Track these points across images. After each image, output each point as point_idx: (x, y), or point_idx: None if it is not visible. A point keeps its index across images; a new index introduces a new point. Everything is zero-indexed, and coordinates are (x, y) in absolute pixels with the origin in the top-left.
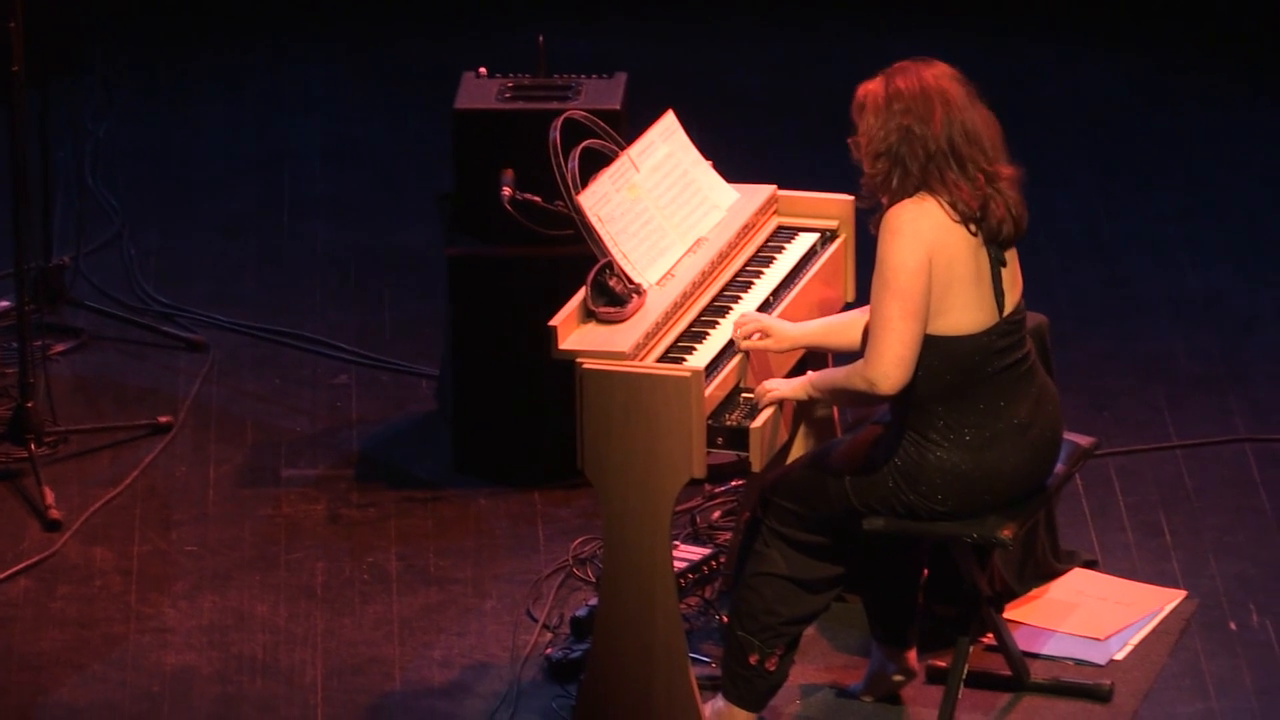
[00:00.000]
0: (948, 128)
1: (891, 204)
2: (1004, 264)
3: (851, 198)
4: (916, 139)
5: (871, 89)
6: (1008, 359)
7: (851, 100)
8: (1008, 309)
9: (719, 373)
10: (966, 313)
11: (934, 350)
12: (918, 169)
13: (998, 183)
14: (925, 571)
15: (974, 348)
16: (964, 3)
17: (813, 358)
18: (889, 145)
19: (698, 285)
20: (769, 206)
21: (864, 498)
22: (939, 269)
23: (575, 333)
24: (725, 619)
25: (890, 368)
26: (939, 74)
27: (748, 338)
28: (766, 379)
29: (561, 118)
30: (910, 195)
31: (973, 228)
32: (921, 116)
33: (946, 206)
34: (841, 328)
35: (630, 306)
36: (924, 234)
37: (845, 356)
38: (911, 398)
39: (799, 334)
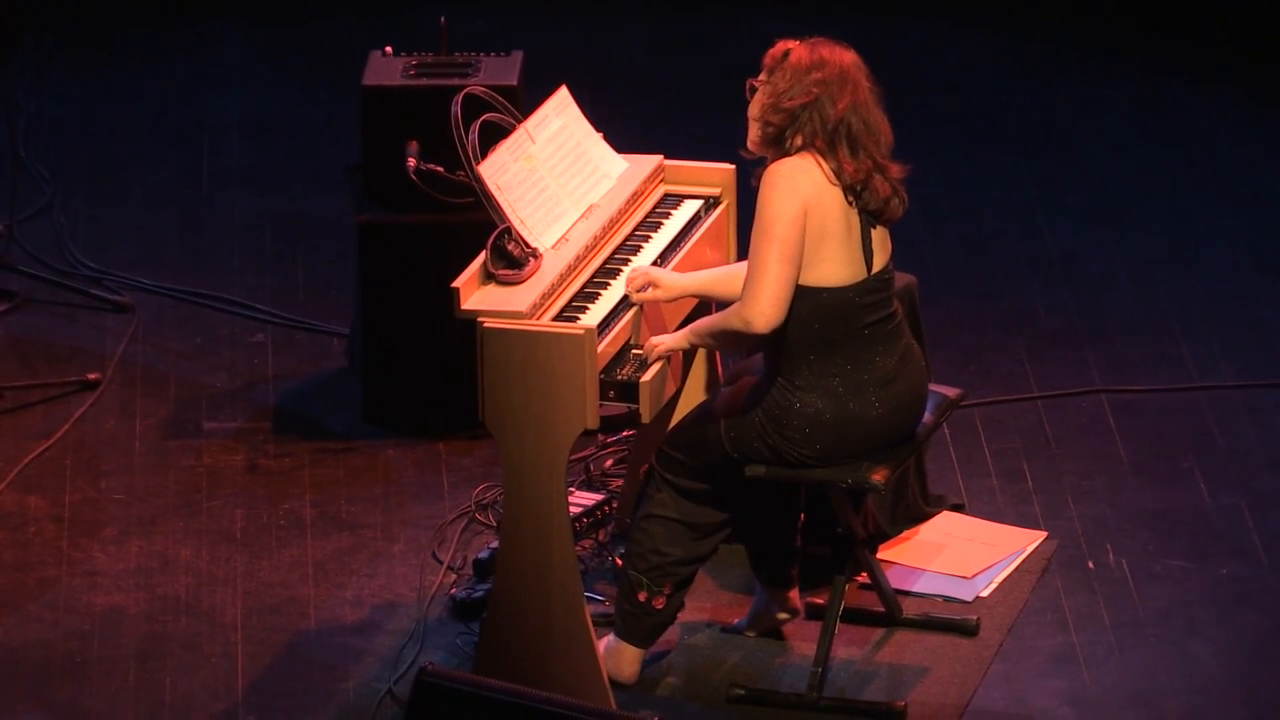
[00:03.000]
0: (850, 113)
1: (774, 159)
2: (874, 226)
3: (732, 166)
4: (819, 110)
5: (796, 48)
6: (874, 315)
7: (745, 62)
8: (876, 267)
9: (610, 331)
10: (836, 266)
11: (804, 300)
12: (808, 135)
13: (886, 173)
14: (803, 515)
15: (842, 300)
16: None
17: (697, 315)
18: (793, 106)
19: (590, 249)
20: (656, 175)
21: (737, 444)
22: (813, 222)
23: (476, 294)
24: (618, 560)
25: (766, 305)
26: (857, 64)
27: (639, 290)
28: (656, 335)
29: (462, 93)
30: (792, 154)
31: (850, 198)
32: (832, 94)
33: (828, 170)
34: (724, 278)
35: (527, 269)
36: (801, 188)
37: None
38: (782, 346)
39: (685, 283)
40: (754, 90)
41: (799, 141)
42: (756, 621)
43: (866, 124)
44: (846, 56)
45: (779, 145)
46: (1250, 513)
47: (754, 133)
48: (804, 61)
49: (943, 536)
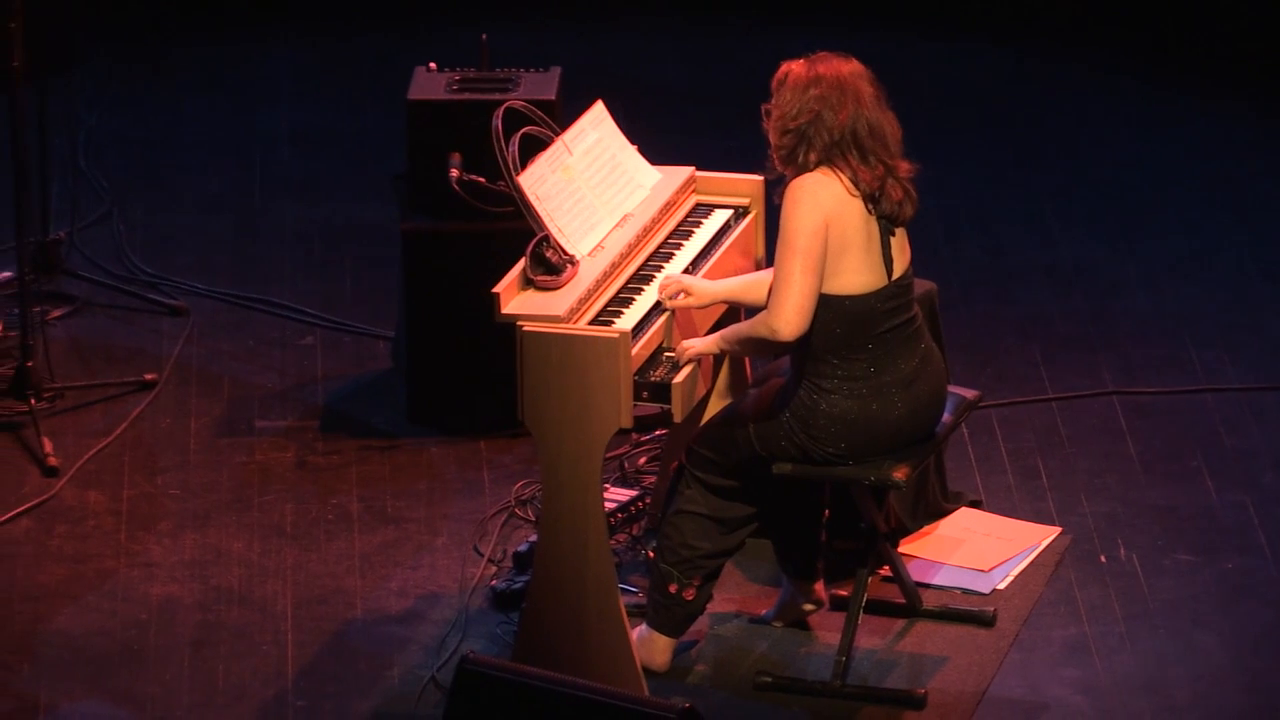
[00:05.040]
0: (853, 121)
1: (795, 176)
2: (893, 233)
3: (761, 178)
4: (823, 124)
5: (794, 68)
6: (896, 319)
7: (769, 81)
8: (896, 274)
9: (644, 334)
10: (858, 275)
11: (828, 308)
12: (820, 149)
13: (896, 173)
14: (827, 511)
15: (864, 307)
16: (859, 2)
17: (728, 320)
18: (798, 124)
19: (625, 256)
20: (688, 186)
21: (765, 442)
22: (834, 234)
23: (516, 299)
24: (651, 554)
25: (791, 315)
26: (856, 72)
27: (672, 296)
28: (687, 339)
29: (503, 107)
30: (812, 169)
31: (869, 206)
32: (833, 106)
33: (846, 182)
34: (752, 285)
35: (565, 275)
36: (823, 202)
37: (755, 313)
38: (808, 350)
39: (715, 290)
40: (767, 114)
41: (814, 157)
42: (783, 612)
43: (872, 128)
44: (844, 67)
45: (795, 163)
46: (1255, 510)
47: (772, 155)
48: (802, 79)
49: (961, 531)
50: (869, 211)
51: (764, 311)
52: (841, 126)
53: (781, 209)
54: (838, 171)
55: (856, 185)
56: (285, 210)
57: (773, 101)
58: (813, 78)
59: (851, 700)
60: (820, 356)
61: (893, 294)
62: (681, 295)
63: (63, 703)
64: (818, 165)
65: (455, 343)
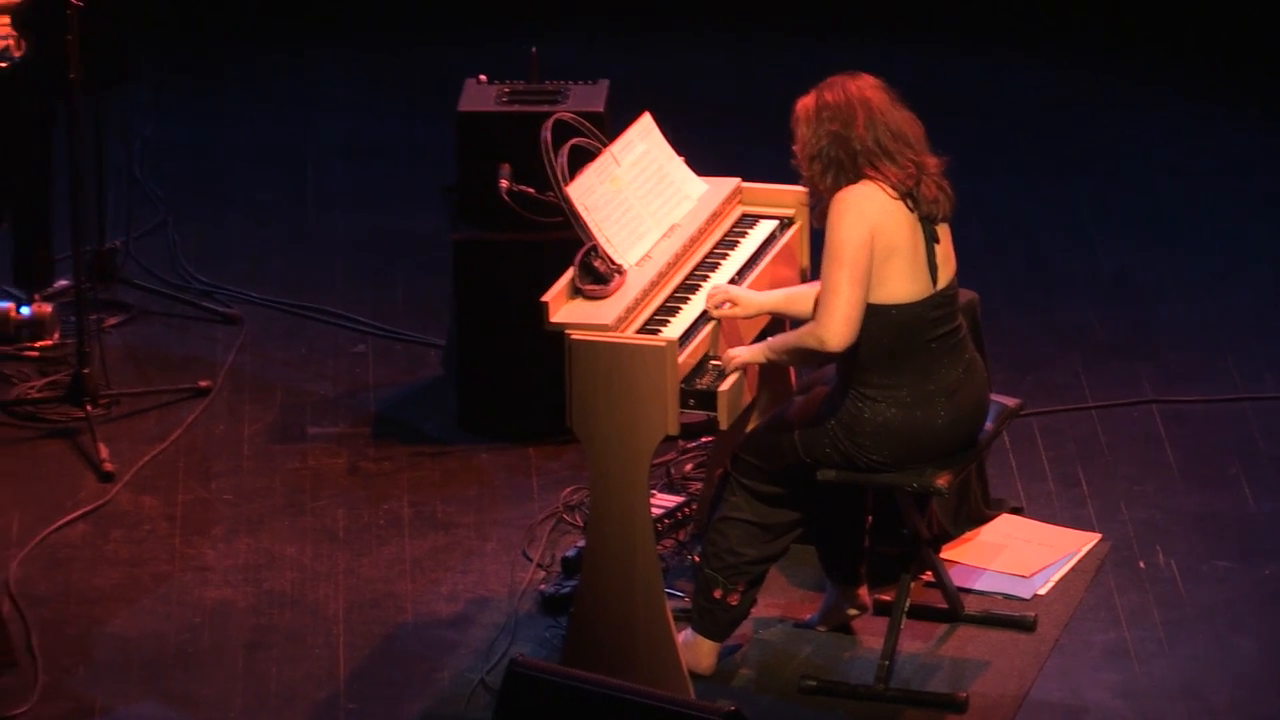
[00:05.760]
0: (871, 129)
1: (837, 193)
2: (937, 241)
3: (805, 189)
4: (843, 141)
5: (804, 103)
6: (941, 329)
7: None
8: (941, 283)
9: (691, 342)
10: (903, 284)
11: (874, 317)
12: (850, 165)
13: (926, 170)
14: (871, 517)
15: (909, 316)
16: (901, 19)
17: (772, 329)
18: (820, 149)
19: (672, 265)
20: (734, 197)
21: (810, 449)
22: (880, 244)
23: (564, 308)
24: (696, 558)
25: (839, 325)
26: (863, 85)
27: (718, 306)
28: (733, 347)
29: (552, 119)
30: (850, 184)
31: (909, 203)
32: (845, 122)
33: (886, 187)
34: (797, 297)
35: (613, 284)
36: (867, 213)
37: (800, 324)
38: (854, 359)
39: (761, 301)
40: (794, 154)
41: (845, 175)
42: (827, 617)
43: (891, 131)
44: (850, 83)
45: (830, 186)
46: None
47: (808, 186)
48: (810, 108)
49: (1003, 538)
50: (912, 214)
51: (812, 322)
52: (860, 138)
53: (828, 221)
54: (876, 180)
55: (895, 187)
56: (337, 220)
57: (795, 140)
58: (820, 104)
59: (894, 703)
60: (866, 365)
61: (938, 303)
62: (728, 305)
63: (118, 705)
64: (853, 180)
65: (505, 351)
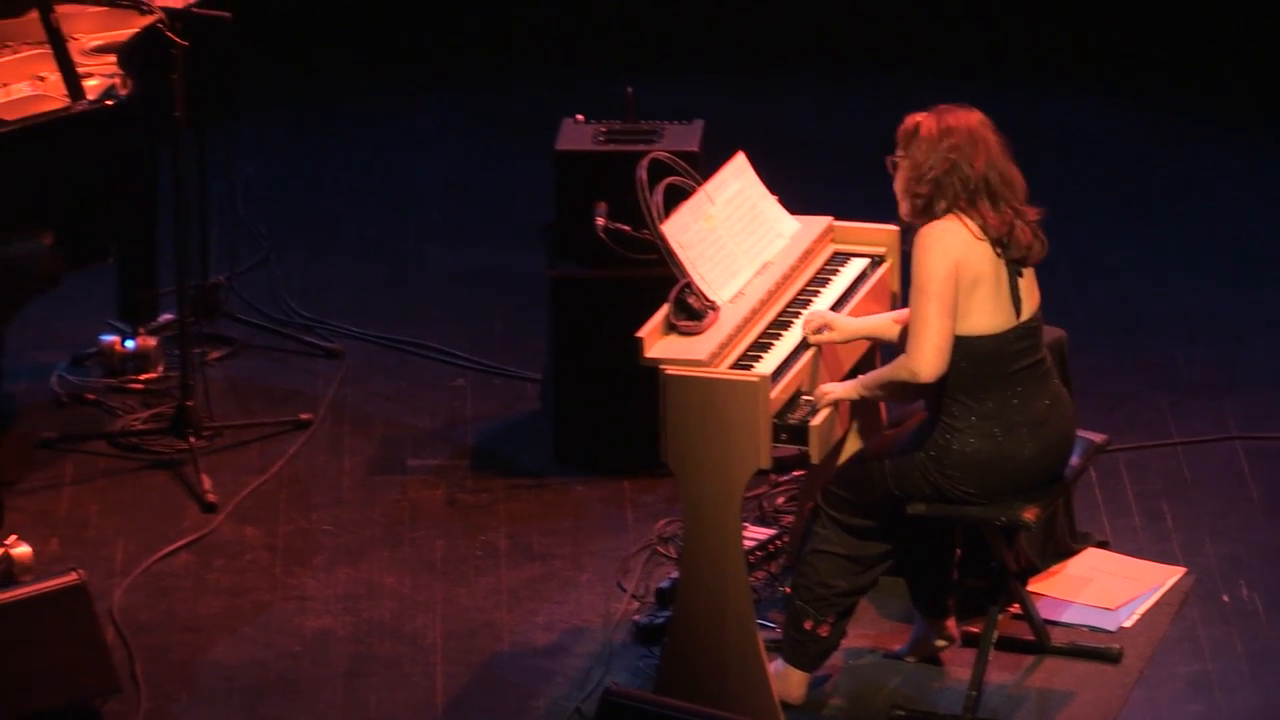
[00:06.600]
0: (987, 169)
1: (925, 223)
2: (1021, 275)
3: (896, 228)
4: (959, 173)
5: (925, 121)
6: (1024, 360)
7: (898, 127)
8: (1025, 315)
9: (784, 378)
10: (987, 316)
11: (958, 348)
12: (953, 196)
13: (1024, 217)
14: (959, 550)
15: (994, 346)
16: (991, 59)
17: (864, 366)
18: (934, 174)
19: (765, 302)
20: (826, 235)
21: (900, 481)
22: (964, 277)
23: (659, 343)
24: (787, 590)
25: (930, 356)
26: (983, 122)
27: (816, 331)
28: (826, 384)
29: (647, 158)
30: (941, 217)
31: (998, 250)
32: (967, 155)
33: (974, 227)
34: (888, 325)
35: (706, 321)
36: (952, 248)
37: (891, 356)
38: (942, 391)
39: (857, 326)
40: (895, 166)
41: (944, 205)
42: (916, 648)
43: (1003, 176)
44: (972, 117)
45: (929, 213)
46: None
47: (904, 206)
48: (934, 131)
49: (1089, 571)
50: (997, 255)
51: (903, 355)
52: (978, 175)
53: (914, 255)
54: (964, 218)
55: (985, 230)
56: (437, 256)
57: (900, 153)
58: (945, 129)
59: None
60: (953, 396)
61: (1022, 334)
62: (825, 330)
63: None
64: (947, 213)
65: (601, 385)
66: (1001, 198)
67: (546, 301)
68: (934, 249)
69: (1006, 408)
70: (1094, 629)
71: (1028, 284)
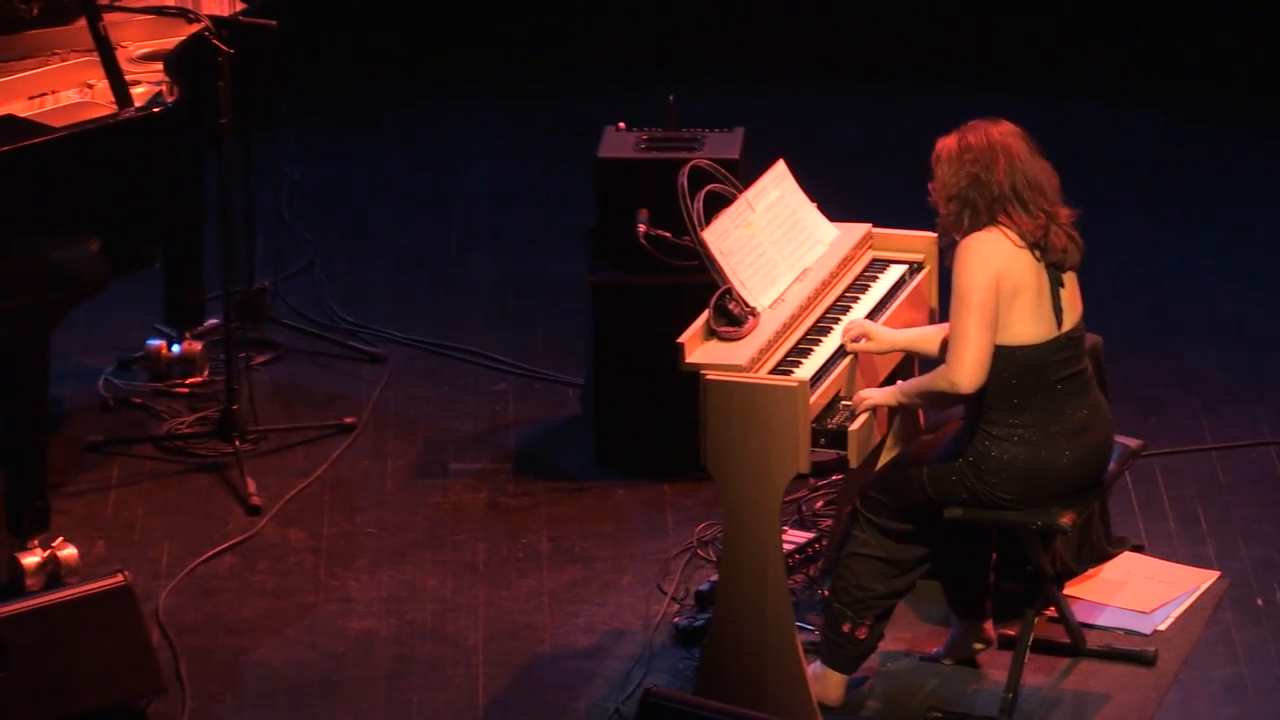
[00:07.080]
0: (1010, 176)
1: (964, 238)
2: (1062, 285)
3: (934, 235)
4: (982, 185)
5: (946, 143)
6: (1066, 371)
7: (938, 142)
8: (1066, 326)
9: (822, 383)
10: (1029, 326)
11: (1001, 358)
12: (984, 209)
13: (1058, 220)
14: (995, 554)
15: (1035, 357)
16: (1032, 68)
17: (901, 372)
18: (959, 190)
19: (804, 308)
20: (865, 242)
21: (938, 487)
22: (1005, 288)
23: (700, 348)
24: (826, 593)
25: (970, 368)
26: (1005, 131)
27: (855, 340)
28: (865, 388)
29: (688, 165)
30: (980, 229)
31: (1037, 253)
32: (987, 166)
33: (1013, 235)
34: (927, 337)
35: (746, 326)
36: (992, 260)
37: (929, 366)
38: (982, 399)
39: (895, 338)
40: (930, 191)
41: (980, 218)
42: (953, 650)
43: (1029, 179)
44: (993, 129)
45: (964, 227)
46: None
47: (940, 224)
48: (953, 149)
49: (1124, 575)
50: (1037, 259)
51: (943, 365)
52: (999, 183)
53: (954, 268)
54: (1003, 228)
55: (1023, 236)
56: (480, 263)
57: (934, 178)
58: (963, 146)
59: None
60: (993, 405)
61: (1063, 345)
62: (863, 339)
63: None
64: (985, 225)
65: (641, 390)
66: (1031, 201)
67: (588, 307)
68: (974, 260)
69: (1046, 417)
70: (1129, 632)
71: (1070, 294)
